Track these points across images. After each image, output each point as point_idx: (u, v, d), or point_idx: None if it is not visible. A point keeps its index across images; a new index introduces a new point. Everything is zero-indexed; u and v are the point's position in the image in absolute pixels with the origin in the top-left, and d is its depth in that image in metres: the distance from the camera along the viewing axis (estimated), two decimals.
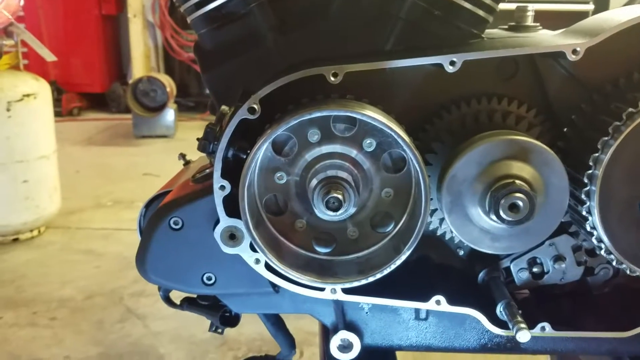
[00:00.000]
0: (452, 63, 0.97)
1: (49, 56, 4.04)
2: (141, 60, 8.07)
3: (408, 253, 0.97)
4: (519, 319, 1.02)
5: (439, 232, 1.11)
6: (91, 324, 3.01)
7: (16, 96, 3.78)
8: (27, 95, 3.83)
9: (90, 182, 5.30)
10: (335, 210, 0.94)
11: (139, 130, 7.05)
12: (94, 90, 8.45)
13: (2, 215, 3.88)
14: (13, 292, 3.34)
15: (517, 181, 0.93)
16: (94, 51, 8.31)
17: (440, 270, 1.17)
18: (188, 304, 1.25)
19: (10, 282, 3.46)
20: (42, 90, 3.97)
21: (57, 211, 4.19)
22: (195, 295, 1.24)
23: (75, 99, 8.34)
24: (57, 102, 6.85)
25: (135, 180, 5.38)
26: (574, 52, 0.97)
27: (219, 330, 1.27)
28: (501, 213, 0.92)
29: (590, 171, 0.96)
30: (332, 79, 0.96)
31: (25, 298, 3.27)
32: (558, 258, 1.12)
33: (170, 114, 7.05)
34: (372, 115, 0.92)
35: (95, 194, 4.94)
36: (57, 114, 5.63)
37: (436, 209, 1.06)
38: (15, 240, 3.99)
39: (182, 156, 1.48)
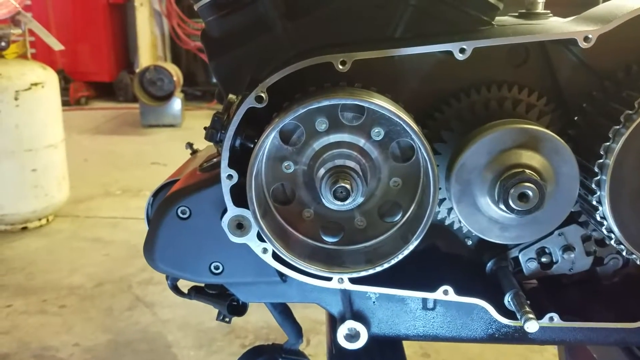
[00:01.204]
0: (462, 50, 0.96)
1: (57, 45, 4.04)
2: (148, 49, 8.06)
3: (416, 243, 0.97)
4: (527, 309, 1.01)
5: (447, 222, 1.11)
6: (100, 312, 3.03)
7: (24, 85, 3.79)
8: (35, 84, 3.84)
9: (98, 170, 5.32)
10: (343, 199, 0.93)
11: (146, 119, 7.07)
12: (101, 79, 8.47)
13: (11, 203, 3.91)
14: (23, 280, 3.37)
15: (527, 170, 0.92)
16: (101, 40, 8.31)
17: (448, 260, 1.17)
18: (196, 292, 1.25)
19: (20, 269, 3.49)
20: (49, 79, 3.98)
21: (65, 199, 4.22)
22: (203, 284, 1.24)
23: (82, 87, 8.36)
24: (64, 91, 6.88)
25: (142, 169, 5.40)
26: (586, 39, 0.96)
27: (227, 319, 1.28)
28: (510, 203, 0.92)
29: (601, 160, 0.95)
30: (340, 67, 0.95)
31: (35, 286, 3.30)
32: (567, 248, 1.12)
33: (177, 103, 7.06)
34: (381, 103, 0.91)
35: (103, 183, 4.97)
36: (65, 103, 5.65)
37: (444, 199, 1.05)
38: (24, 228, 4.02)
39: (190, 145, 1.48)
